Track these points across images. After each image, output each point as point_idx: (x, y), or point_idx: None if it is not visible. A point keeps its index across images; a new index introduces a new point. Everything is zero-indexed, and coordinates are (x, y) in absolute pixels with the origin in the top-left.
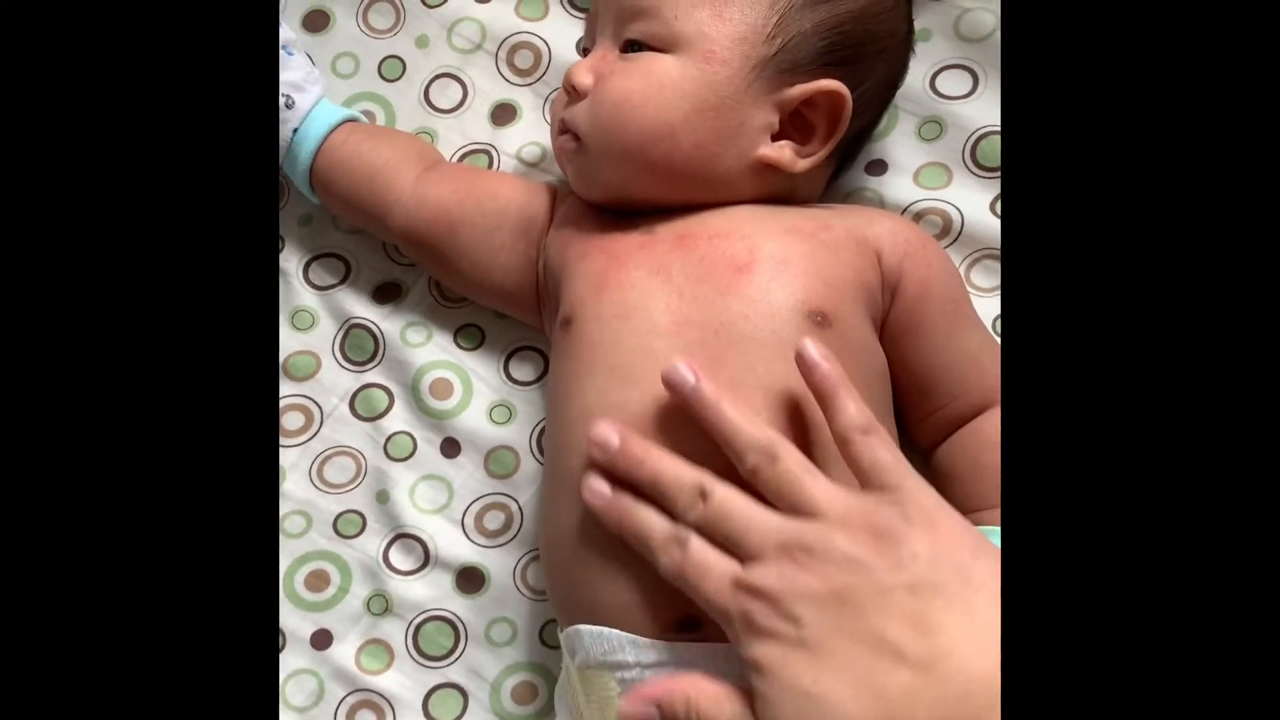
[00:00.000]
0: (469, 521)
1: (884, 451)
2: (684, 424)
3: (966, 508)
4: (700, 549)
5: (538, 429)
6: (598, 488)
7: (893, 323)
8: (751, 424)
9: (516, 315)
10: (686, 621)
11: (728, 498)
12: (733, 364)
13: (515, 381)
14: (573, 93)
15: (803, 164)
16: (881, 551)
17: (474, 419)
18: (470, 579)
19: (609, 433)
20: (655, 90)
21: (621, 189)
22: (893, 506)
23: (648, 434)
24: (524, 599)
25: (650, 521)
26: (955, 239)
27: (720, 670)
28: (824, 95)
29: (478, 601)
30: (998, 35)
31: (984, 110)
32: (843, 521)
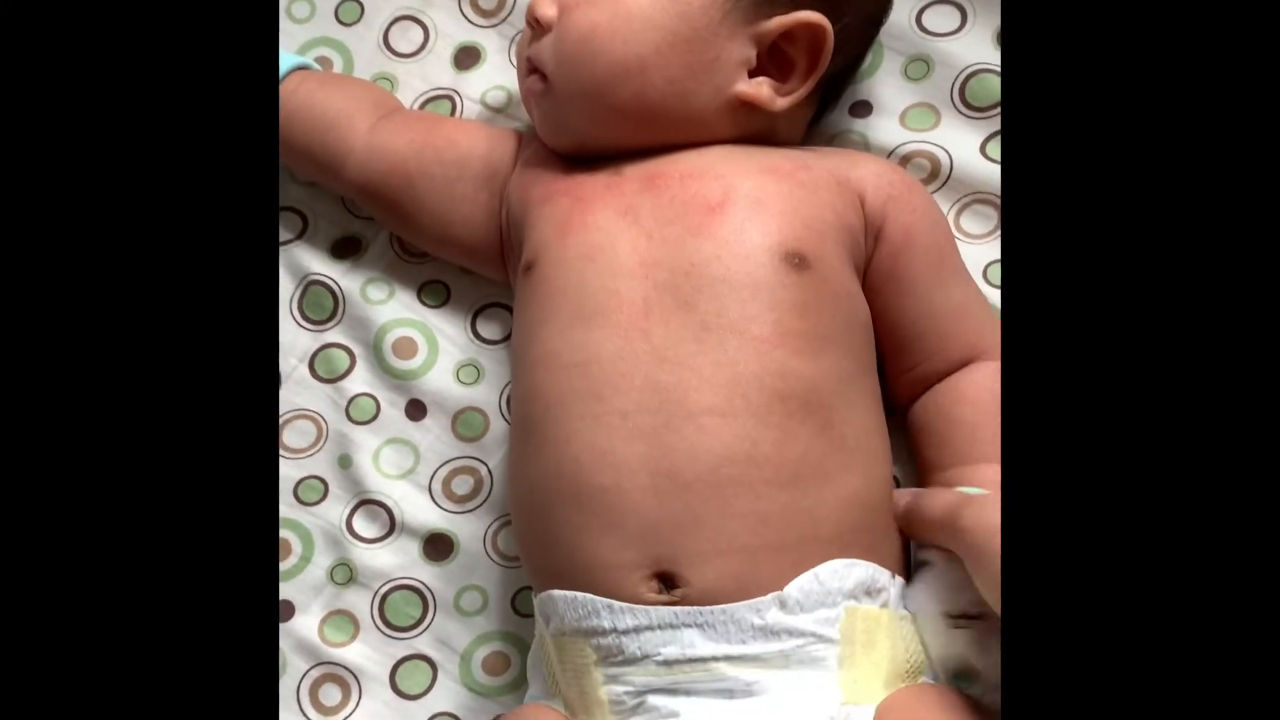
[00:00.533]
0: (436, 486)
1: None
2: (644, 365)
3: (937, 465)
4: None
5: (507, 389)
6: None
7: (874, 270)
8: None
9: (481, 270)
10: (665, 577)
11: None
12: (704, 307)
13: (483, 340)
14: (536, 26)
15: (782, 102)
16: None
17: (440, 379)
18: (438, 546)
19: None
20: (623, 21)
21: (589, 133)
22: None
23: (606, 376)
24: (495, 566)
25: None
26: (944, 183)
27: (701, 635)
28: (804, 28)
29: (446, 569)
30: None
31: (973, 47)
32: None
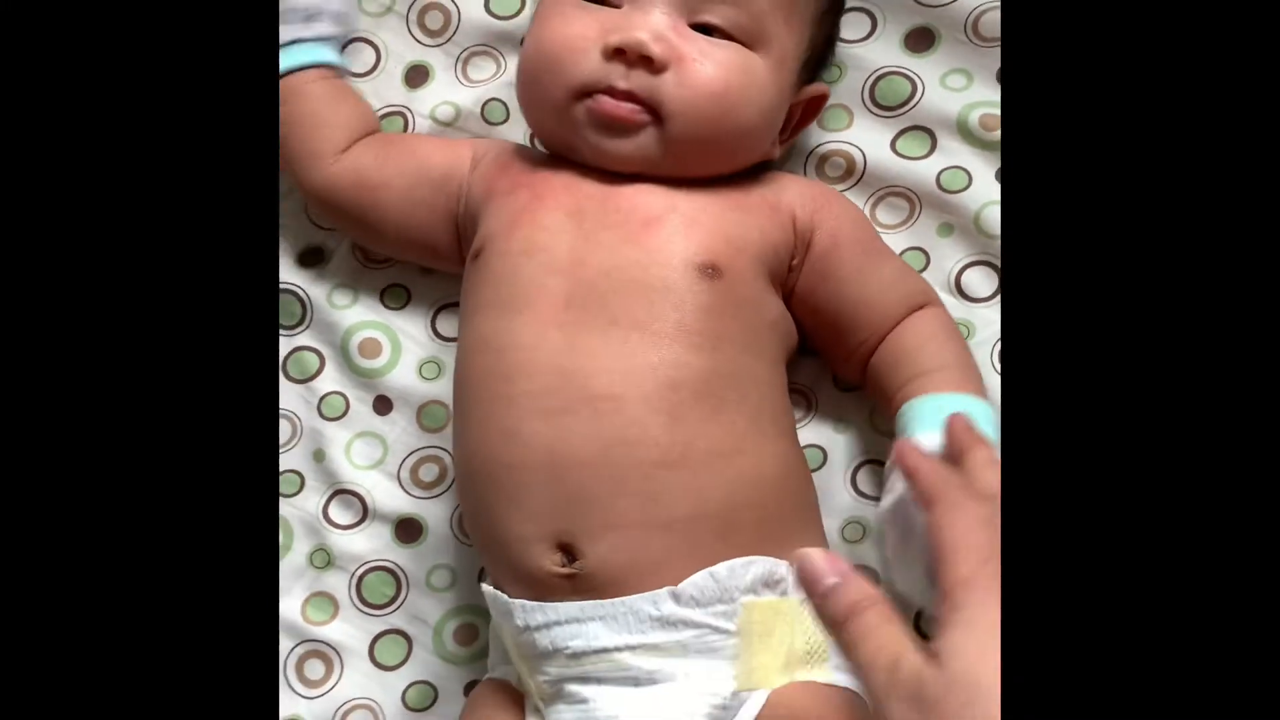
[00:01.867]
0: (404, 475)
1: None
2: (553, 353)
3: (893, 387)
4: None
5: None
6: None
7: (809, 272)
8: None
9: (440, 267)
10: (566, 549)
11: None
12: (615, 305)
13: (442, 338)
14: (646, 64)
15: (779, 151)
16: None
17: (404, 376)
18: (408, 529)
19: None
20: (750, 88)
21: (657, 167)
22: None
23: (519, 362)
24: (461, 545)
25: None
26: (859, 179)
27: (604, 627)
28: (819, 98)
29: (417, 550)
30: None
31: (881, 52)
32: None
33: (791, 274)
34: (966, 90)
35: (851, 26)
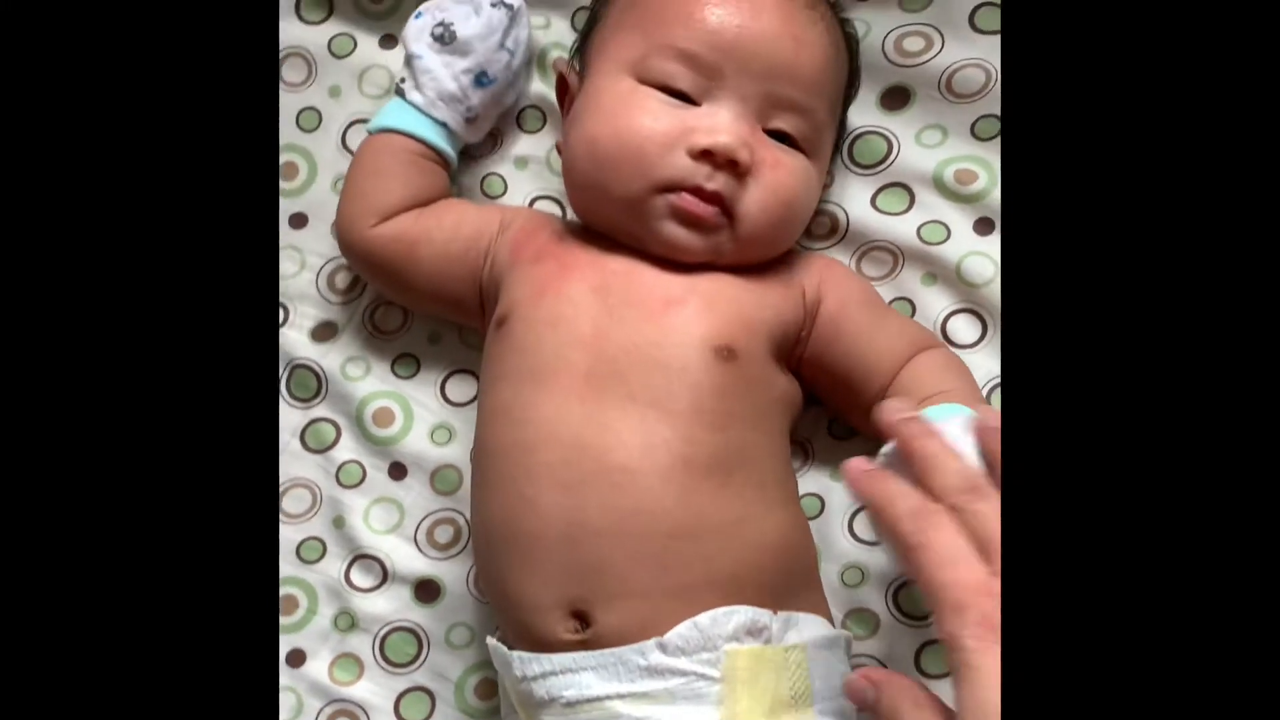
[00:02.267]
0: (421, 537)
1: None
2: (574, 425)
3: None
4: (953, 537)
5: None
6: (857, 462)
7: (817, 338)
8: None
9: (463, 321)
10: (580, 616)
11: (993, 508)
12: (634, 380)
13: (452, 403)
14: (732, 168)
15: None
16: None
17: (417, 442)
18: (427, 590)
19: (901, 404)
20: (810, 194)
21: (715, 260)
22: None
23: (540, 432)
24: (478, 603)
25: (902, 490)
26: (843, 237)
27: (596, 677)
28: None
29: (436, 610)
30: (869, 40)
31: (858, 112)
32: None
33: (799, 345)
34: (941, 146)
35: None
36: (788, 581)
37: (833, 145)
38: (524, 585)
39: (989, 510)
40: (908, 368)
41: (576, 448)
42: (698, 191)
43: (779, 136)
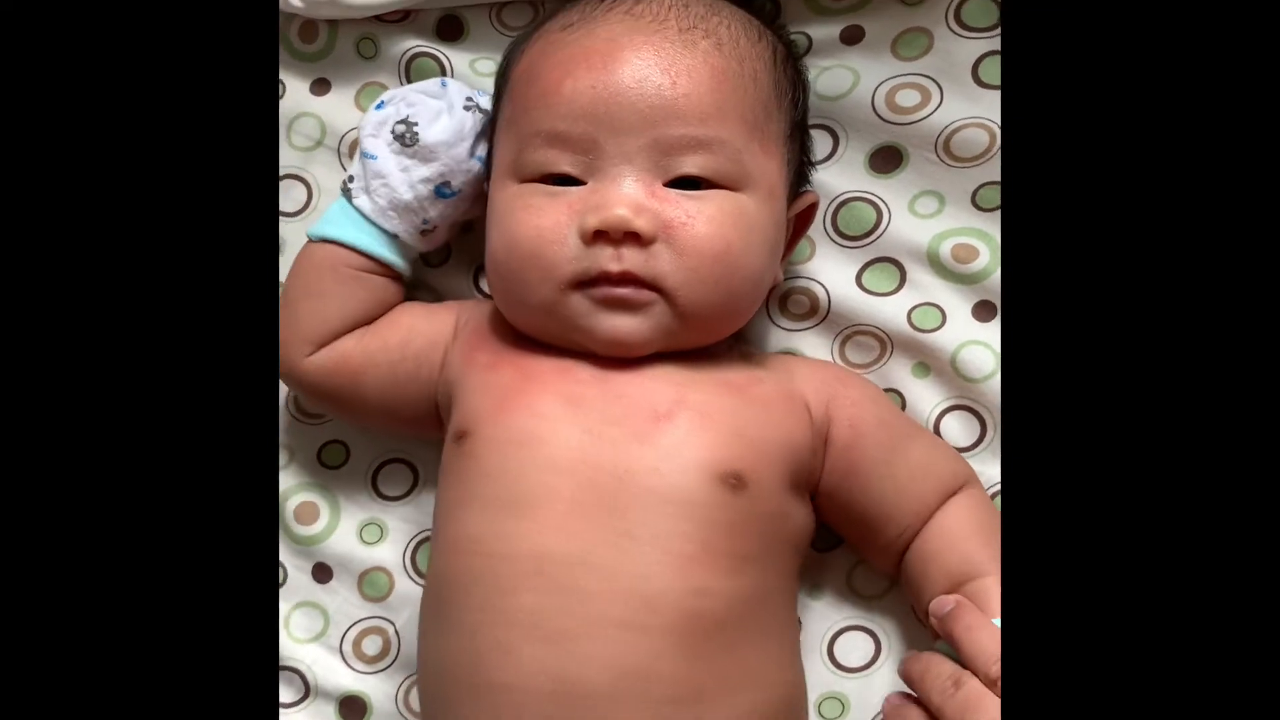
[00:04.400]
0: (347, 648)
1: None
2: (561, 566)
3: (930, 591)
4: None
5: (411, 545)
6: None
7: (830, 470)
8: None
9: (420, 436)
10: None
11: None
12: (632, 517)
13: (385, 497)
14: (633, 240)
15: (781, 276)
16: None
17: (343, 541)
18: (353, 707)
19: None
20: (751, 233)
21: (678, 341)
22: None
23: (521, 572)
24: None
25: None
26: (824, 318)
27: None
28: (812, 208)
29: None
30: (857, 93)
31: (844, 175)
32: None
33: (814, 474)
34: (937, 216)
35: (811, 146)
36: None
37: (785, 160)
38: None
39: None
40: (937, 524)
41: (565, 594)
42: (605, 278)
43: (692, 183)
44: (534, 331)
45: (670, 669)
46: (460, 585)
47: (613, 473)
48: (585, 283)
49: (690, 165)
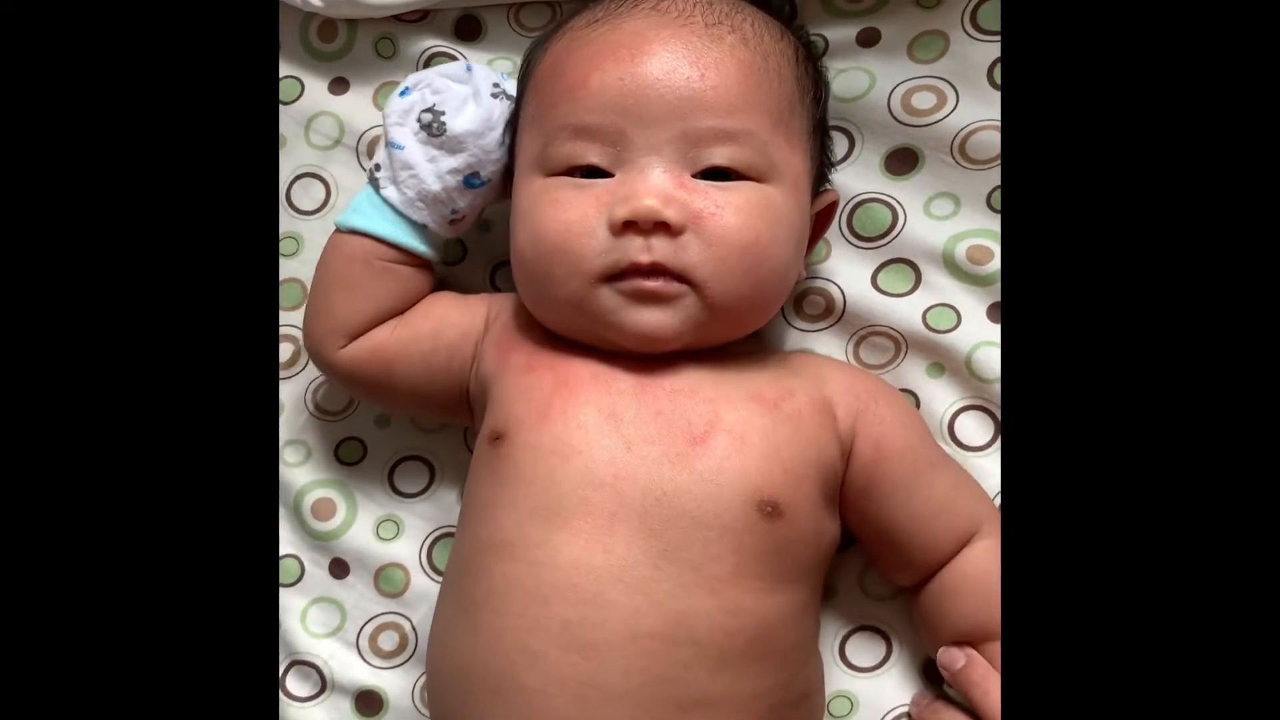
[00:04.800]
0: (363, 643)
1: None
2: (597, 580)
3: (941, 637)
4: None
5: (428, 542)
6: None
7: (850, 486)
8: None
9: (449, 422)
10: None
11: None
12: (669, 537)
13: (401, 494)
14: (657, 229)
15: (805, 272)
16: None
17: (360, 537)
18: (369, 702)
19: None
20: (779, 225)
21: (708, 335)
22: None
23: (556, 582)
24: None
25: None
26: (839, 318)
27: None
28: (833, 206)
29: None
30: (873, 95)
31: (860, 176)
32: None
33: (840, 483)
34: (953, 218)
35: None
36: None
37: (808, 156)
38: None
39: None
40: (952, 573)
41: (599, 607)
42: (635, 269)
43: (720, 174)
44: (562, 328)
45: (699, 680)
46: (491, 588)
47: (649, 492)
48: (614, 276)
49: (718, 157)
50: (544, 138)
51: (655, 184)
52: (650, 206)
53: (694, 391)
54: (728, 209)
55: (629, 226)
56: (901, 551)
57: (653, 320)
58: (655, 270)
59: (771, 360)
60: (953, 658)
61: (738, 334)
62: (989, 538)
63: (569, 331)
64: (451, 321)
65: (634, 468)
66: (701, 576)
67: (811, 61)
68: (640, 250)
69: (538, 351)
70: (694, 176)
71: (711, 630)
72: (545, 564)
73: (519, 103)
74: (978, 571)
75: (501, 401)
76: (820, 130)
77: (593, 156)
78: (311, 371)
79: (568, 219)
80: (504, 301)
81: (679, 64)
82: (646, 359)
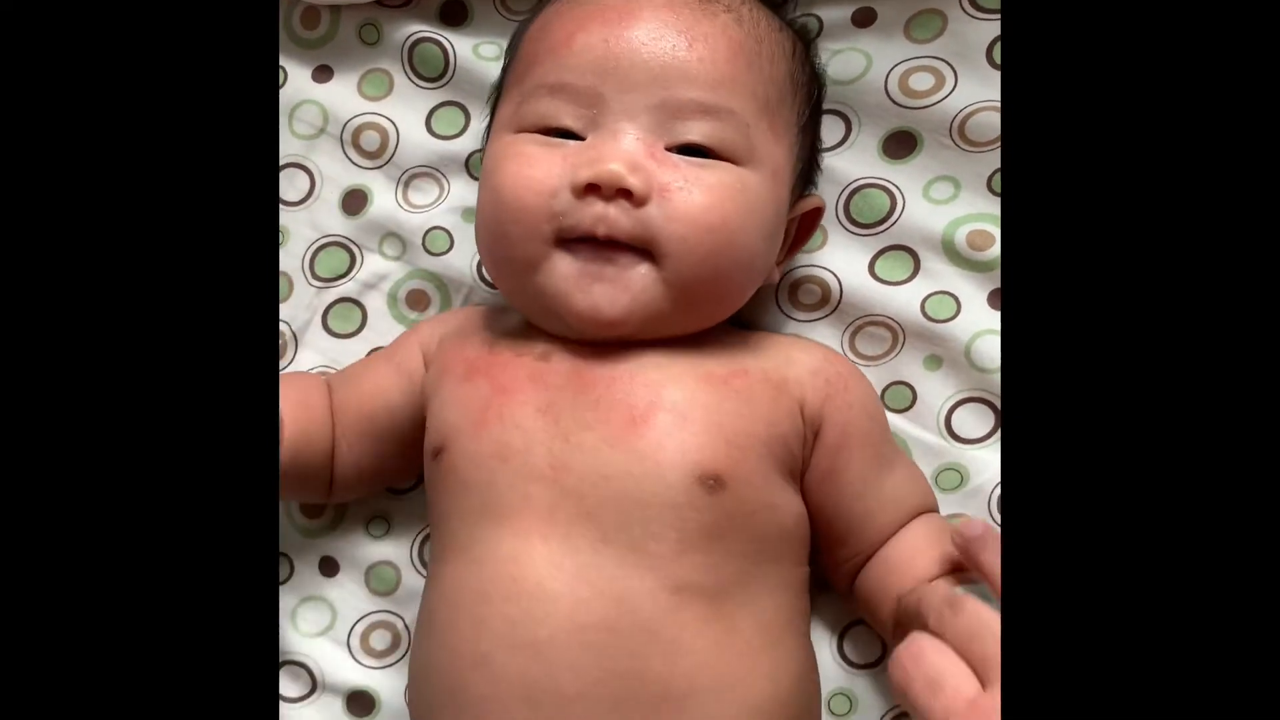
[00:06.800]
0: (354, 642)
1: None
2: (537, 571)
3: (883, 602)
4: (937, 658)
5: (418, 539)
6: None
7: (813, 468)
8: None
9: None
10: None
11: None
12: (607, 520)
13: (391, 490)
14: (619, 196)
15: (778, 275)
16: None
17: (350, 534)
18: (360, 703)
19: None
20: (749, 211)
21: (664, 321)
22: None
23: (498, 578)
24: None
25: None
26: (835, 308)
27: None
28: (816, 211)
29: None
30: (869, 77)
31: (857, 161)
32: None
33: (801, 463)
34: (953, 202)
35: (823, 131)
36: None
37: (796, 153)
38: None
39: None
40: (892, 545)
41: (542, 600)
42: (591, 237)
43: (697, 152)
44: (516, 302)
45: (655, 669)
46: (442, 593)
47: (585, 477)
48: (570, 241)
49: (696, 132)
50: (521, 96)
51: (625, 150)
52: (615, 171)
53: (634, 376)
54: (697, 186)
55: (591, 190)
56: (845, 544)
57: (602, 299)
58: (610, 243)
59: (735, 343)
60: (971, 524)
61: (693, 326)
62: (920, 519)
63: (523, 307)
64: (389, 390)
65: (571, 456)
66: (641, 555)
67: (809, 61)
68: (597, 220)
69: (477, 358)
70: (669, 150)
71: (656, 611)
72: (487, 559)
73: (504, 71)
74: (914, 539)
75: (439, 413)
76: (809, 130)
77: (566, 118)
78: (299, 365)
79: (531, 174)
80: (431, 329)
81: (666, 31)
82: (592, 352)
